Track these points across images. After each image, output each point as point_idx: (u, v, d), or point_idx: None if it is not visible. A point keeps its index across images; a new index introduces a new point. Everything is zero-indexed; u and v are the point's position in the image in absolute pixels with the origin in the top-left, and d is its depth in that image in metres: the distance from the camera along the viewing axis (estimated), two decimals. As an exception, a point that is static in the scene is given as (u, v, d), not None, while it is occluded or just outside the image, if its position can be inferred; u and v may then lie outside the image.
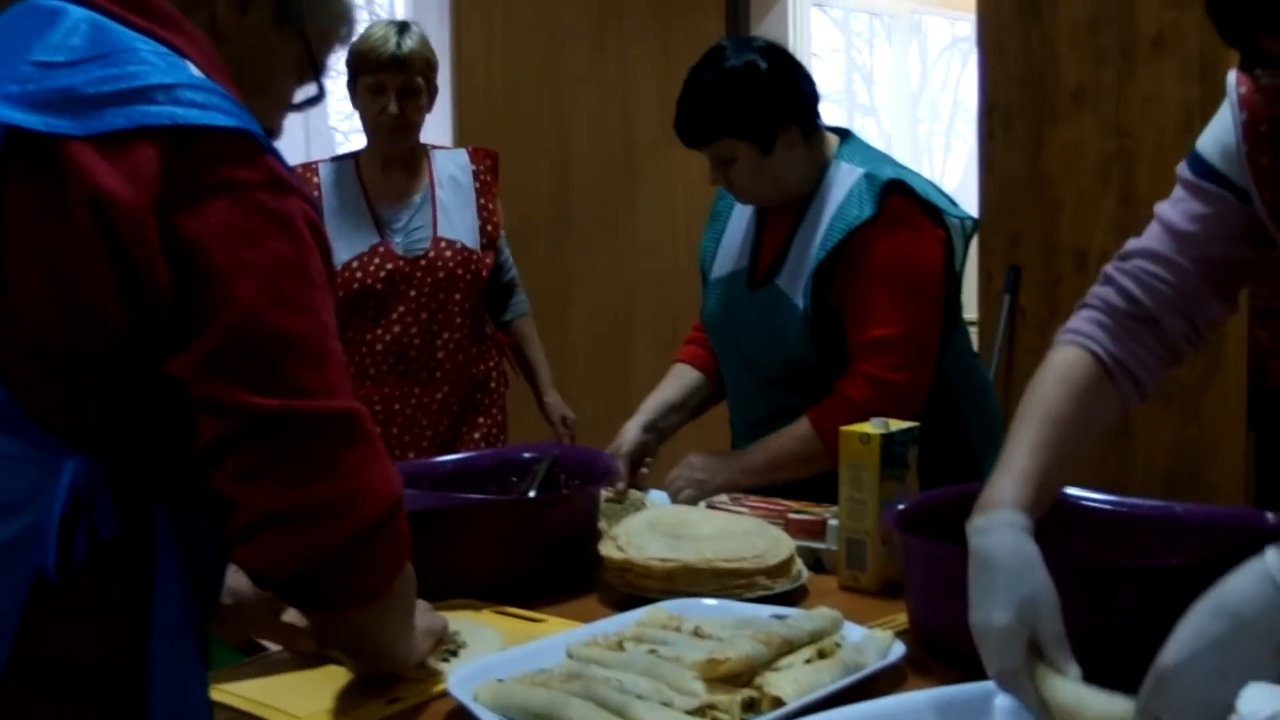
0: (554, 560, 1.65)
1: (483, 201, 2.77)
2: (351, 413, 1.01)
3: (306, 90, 1.23)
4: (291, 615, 1.30)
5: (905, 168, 2.04)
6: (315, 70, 1.21)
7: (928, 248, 1.94)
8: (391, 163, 2.71)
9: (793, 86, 1.95)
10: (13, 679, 0.92)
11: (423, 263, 2.65)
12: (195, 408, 0.97)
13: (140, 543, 0.98)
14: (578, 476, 1.85)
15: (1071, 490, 1.51)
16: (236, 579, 1.23)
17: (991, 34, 3.61)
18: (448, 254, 2.67)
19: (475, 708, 1.15)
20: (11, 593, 0.92)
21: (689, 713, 1.12)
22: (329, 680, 1.30)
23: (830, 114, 6.40)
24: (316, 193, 2.66)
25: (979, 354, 3.67)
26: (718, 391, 2.21)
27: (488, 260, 2.77)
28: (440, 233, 2.68)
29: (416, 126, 2.69)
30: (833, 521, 1.68)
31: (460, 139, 4.08)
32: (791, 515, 1.75)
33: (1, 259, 0.94)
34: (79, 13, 1.02)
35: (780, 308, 1.98)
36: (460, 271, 2.68)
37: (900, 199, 1.93)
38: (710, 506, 1.84)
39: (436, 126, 4.71)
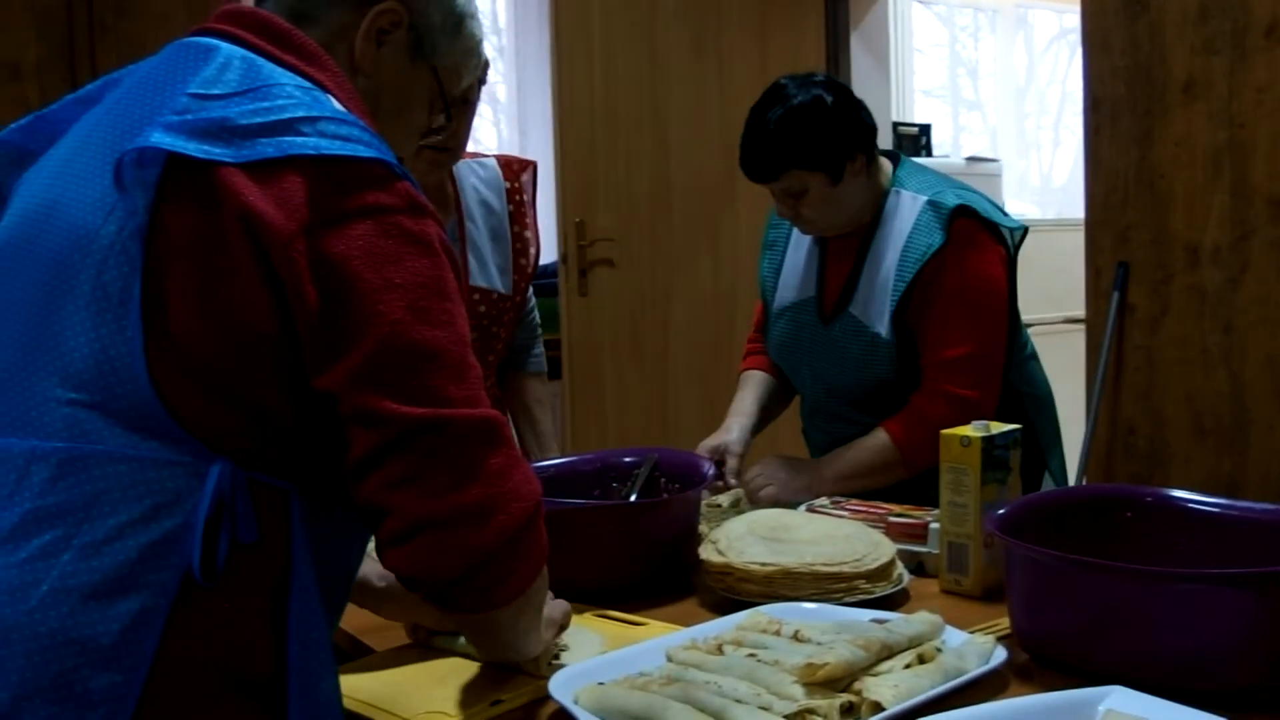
0: (654, 564, 1.66)
1: (517, 229, 2.21)
2: (493, 419, 1.06)
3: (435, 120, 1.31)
4: None
5: (961, 186, 2.13)
6: (445, 103, 1.28)
7: (994, 267, 2.06)
8: None
9: (856, 117, 2.05)
10: (160, 673, 0.96)
11: None
12: (346, 421, 1.02)
13: (277, 548, 1.03)
14: (678, 481, 1.86)
15: (1181, 493, 1.48)
16: None
17: (1096, 27, 3.53)
18: (481, 308, 2.14)
19: (576, 710, 1.17)
20: (161, 590, 0.97)
21: (787, 717, 1.13)
22: (432, 680, 1.33)
23: (935, 110, 6.38)
24: None
25: (1087, 352, 3.62)
26: (787, 397, 2.33)
27: (517, 299, 2.22)
28: (472, 280, 2.13)
29: (464, 148, 2.10)
30: (934, 525, 1.67)
31: (561, 146, 4.12)
32: (893, 519, 1.74)
33: (160, 275, 1.00)
34: (232, 50, 1.10)
35: (860, 336, 2.09)
36: (490, 325, 2.17)
37: (965, 221, 2.04)
38: (810, 510, 1.84)
39: (537, 135, 4.78)
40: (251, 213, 0.99)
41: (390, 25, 1.21)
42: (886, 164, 2.14)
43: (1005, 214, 2.14)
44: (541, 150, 4.70)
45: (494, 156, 2.25)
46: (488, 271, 2.15)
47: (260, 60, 1.10)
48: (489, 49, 4.89)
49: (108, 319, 1.00)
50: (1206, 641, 1.16)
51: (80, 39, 3.63)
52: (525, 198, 2.23)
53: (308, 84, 1.10)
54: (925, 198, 2.06)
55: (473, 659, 1.38)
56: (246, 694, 1.01)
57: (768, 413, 2.27)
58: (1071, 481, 3.53)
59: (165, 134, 1.00)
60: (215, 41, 1.11)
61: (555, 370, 4.24)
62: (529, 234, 2.22)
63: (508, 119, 5.01)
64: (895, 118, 5.27)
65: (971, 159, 5.31)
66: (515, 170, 2.23)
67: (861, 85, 4.82)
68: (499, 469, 1.05)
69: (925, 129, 5.36)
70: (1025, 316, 5.58)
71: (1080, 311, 3.74)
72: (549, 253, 4.61)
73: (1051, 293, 5.17)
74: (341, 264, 1.01)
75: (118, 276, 1.00)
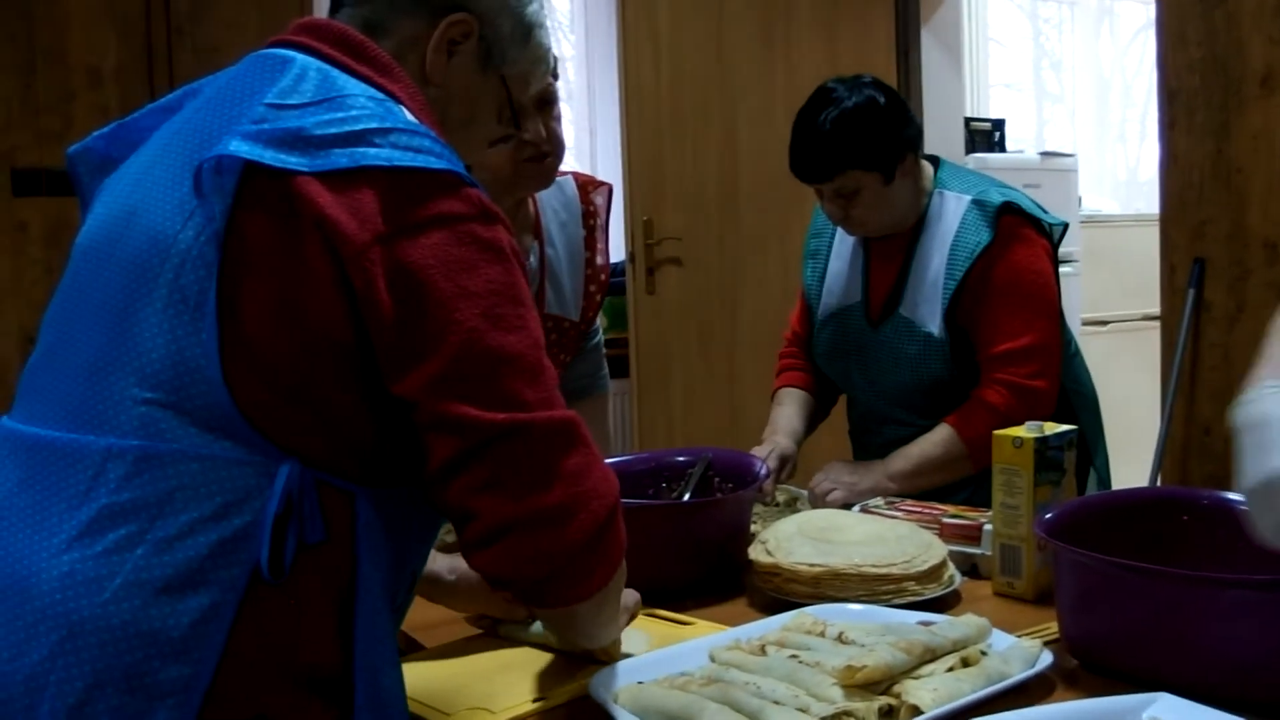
0: (705, 564, 1.66)
1: (589, 255, 2.12)
2: (570, 420, 1.08)
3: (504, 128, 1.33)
4: None
5: (1003, 185, 2.15)
6: (513, 111, 1.31)
7: (1041, 261, 2.08)
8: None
9: (906, 118, 2.07)
10: (227, 666, 0.98)
11: None
12: (424, 428, 1.05)
13: (343, 548, 1.05)
14: (731, 480, 1.86)
15: (1239, 496, 1.45)
16: (455, 559, 1.43)
17: (1172, 18, 3.47)
18: (553, 336, 2.05)
19: (615, 709, 1.18)
20: (230, 585, 0.99)
21: (825, 719, 1.12)
22: (477, 677, 1.34)
23: (1017, 103, 6.30)
24: None
25: (1162, 350, 3.55)
26: (824, 411, 2.36)
27: (583, 327, 2.12)
28: (548, 309, 2.05)
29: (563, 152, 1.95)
30: (988, 527, 1.65)
31: (628, 145, 4.13)
32: (947, 520, 1.73)
33: (236, 280, 1.02)
34: (308, 61, 1.13)
35: (912, 338, 2.10)
36: (558, 354, 2.08)
37: (1011, 218, 2.06)
38: (864, 510, 1.83)
39: (606, 136, 4.80)
40: (326, 221, 1.01)
41: (461, 36, 1.23)
42: (928, 166, 2.16)
43: (1045, 211, 2.15)
44: (610, 150, 4.72)
45: (572, 175, 2.14)
46: (563, 299, 2.07)
47: (335, 71, 1.12)
48: (558, 50, 4.93)
49: (184, 321, 1.03)
50: (1257, 650, 1.14)
51: (158, 44, 3.72)
52: (599, 221, 2.14)
53: (380, 95, 1.12)
54: (969, 197, 2.08)
55: (537, 647, 1.42)
56: (312, 689, 1.04)
57: (809, 429, 2.28)
58: (1146, 482, 3.47)
59: (243, 142, 1.03)
60: (292, 53, 1.14)
61: (623, 369, 4.26)
62: (600, 260, 2.13)
63: (576, 119, 5.03)
64: (968, 112, 5.21)
65: (1046, 154, 5.24)
66: (589, 193, 2.13)
67: (933, 79, 4.77)
68: (578, 469, 1.07)
69: (999, 124, 5.29)
70: (1101, 313, 5.52)
71: (1155, 309, 3.67)
72: (617, 252, 4.63)
73: (1129, 289, 5.09)
74: (417, 273, 1.03)
75: (194, 280, 1.03)
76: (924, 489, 1.99)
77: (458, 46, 1.23)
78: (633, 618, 1.39)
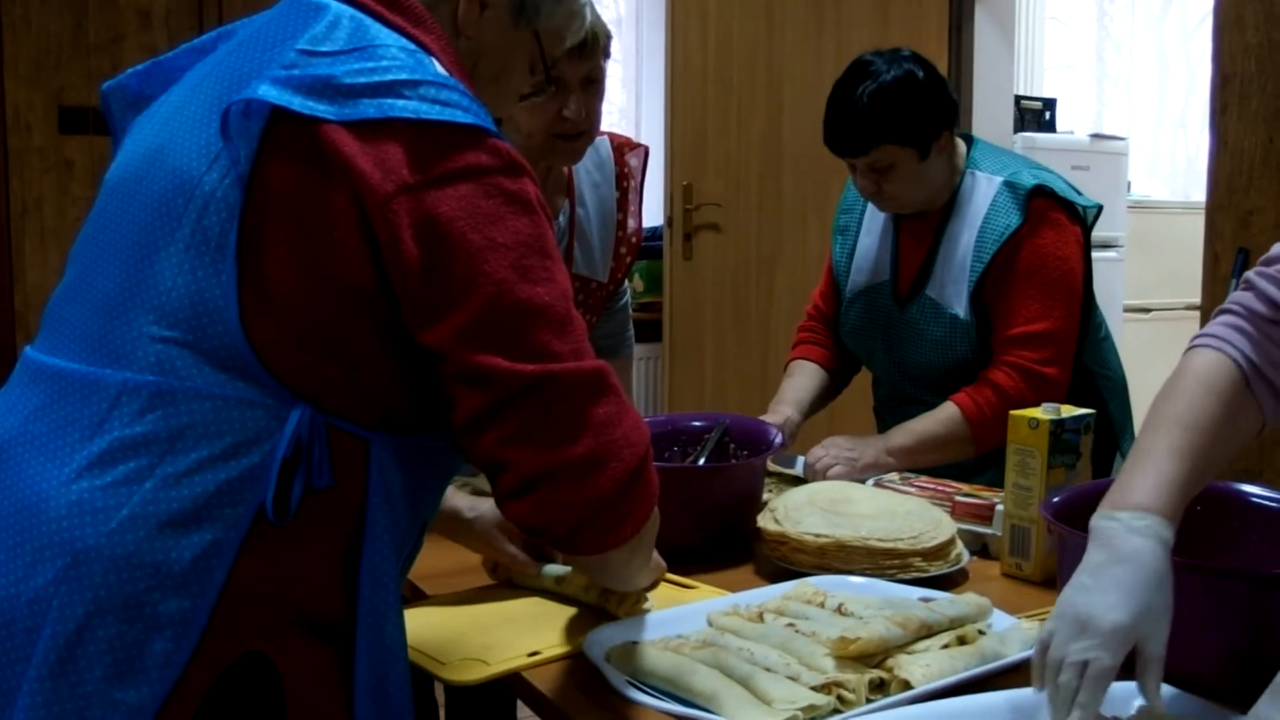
0: (715, 529, 1.66)
1: (620, 217, 2.11)
2: (599, 370, 1.09)
3: (534, 81, 1.33)
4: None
5: (1036, 166, 2.12)
6: (546, 66, 1.30)
7: (1070, 247, 2.04)
8: (535, 170, 1.93)
9: (944, 93, 2.04)
10: (227, 603, 1.00)
11: None
12: (452, 379, 1.05)
13: (352, 494, 1.06)
14: (746, 448, 1.86)
15: (1252, 488, 1.44)
16: (476, 500, 1.47)
17: (1230, 2, 3.39)
18: (580, 296, 2.04)
19: (605, 667, 1.19)
20: (235, 523, 1.00)
21: (814, 689, 1.12)
22: (476, 628, 1.36)
23: (1076, 83, 6.21)
24: None
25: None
26: (836, 388, 2.33)
27: (611, 288, 2.14)
28: (575, 269, 2.05)
29: (597, 130, 1.95)
30: (1000, 507, 1.64)
31: (671, 109, 4.11)
32: (960, 498, 1.72)
33: (259, 224, 1.03)
34: (341, 9, 1.12)
35: (938, 318, 2.08)
36: (585, 314, 2.07)
37: (1043, 201, 2.03)
38: (878, 484, 1.82)
39: (651, 100, 4.77)
40: (352, 170, 1.01)
41: None
42: (961, 145, 2.13)
43: (1079, 193, 2.11)
44: (654, 113, 4.70)
45: (608, 135, 2.10)
46: (591, 260, 2.07)
47: (368, 20, 1.12)
48: (608, 14, 4.90)
49: (205, 261, 1.03)
50: (1252, 641, 1.12)
51: (209, -11, 3.73)
52: (632, 183, 2.11)
53: (412, 46, 1.12)
54: (1001, 178, 2.05)
55: (550, 597, 1.45)
56: (313, 632, 1.05)
57: (818, 404, 2.26)
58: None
59: (272, 87, 1.03)
60: (327, 1, 1.14)
61: (656, 333, 4.26)
62: (631, 222, 2.12)
63: (623, 82, 5.01)
64: (1019, 91, 5.14)
65: (1096, 136, 5.16)
66: (624, 155, 2.10)
67: (984, 56, 4.71)
68: (608, 418, 1.07)
69: (1050, 103, 5.22)
70: (1144, 301, 5.44)
71: (1196, 298, 3.61)
72: (655, 216, 4.62)
73: (1174, 278, 5.02)
74: (445, 225, 1.03)
75: (217, 222, 1.03)
76: (926, 466, 1.97)
77: (490, 2, 1.22)
78: (658, 582, 1.39)
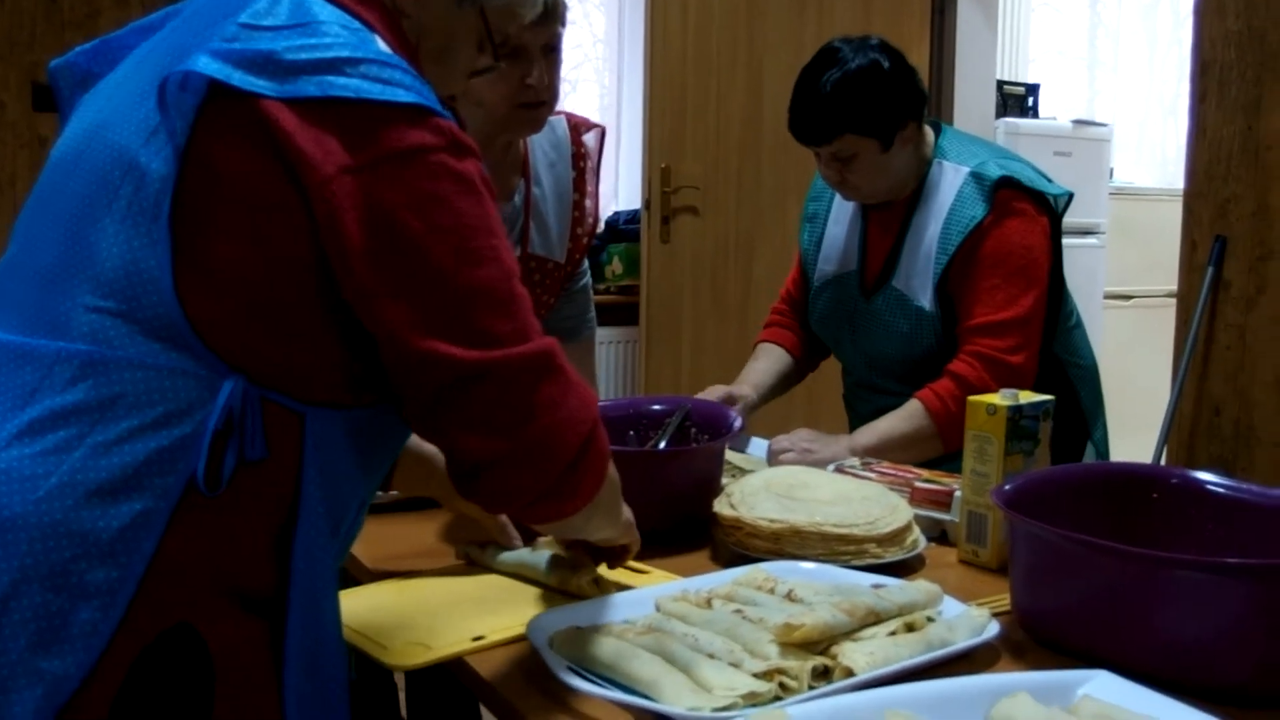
0: (674, 514, 1.65)
1: (576, 197, 2.09)
2: (544, 351, 1.09)
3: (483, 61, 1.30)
4: None
5: (1005, 154, 2.09)
6: (494, 44, 1.27)
7: (1035, 236, 2.02)
8: (491, 148, 1.94)
9: (911, 84, 2.01)
10: (155, 574, 0.99)
11: None
12: (399, 363, 1.06)
13: (286, 468, 1.05)
14: (708, 432, 1.84)
15: (1208, 476, 1.43)
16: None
17: (1211, -12, 3.38)
18: (536, 276, 2.05)
19: (546, 652, 1.17)
20: (165, 493, 1.00)
21: (756, 675, 1.11)
22: (423, 612, 1.34)
23: (1067, 69, 6.18)
24: None
25: (1177, 327, 3.50)
26: (800, 374, 2.32)
27: (569, 269, 2.12)
28: (531, 248, 2.03)
29: (557, 100, 1.92)
30: (959, 493, 1.63)
31: (650, 91, 4.09)
32: (918, 484, 1.70)
33: (196, 195, 1.02)
34: None
35: (904, 310, 2.07)
36: (541, 294, 2.07)
37: (1008, 192, 2.01)
38: (839, 470, 1.81)
39: (632, 80, 4.74)
40: (291, 148, 1.01)
41: None
42: (929, 133, 2.10)
43: (1049, 180, 2.09)
44: (634, 94, 4.67)
45: (564, 115, 2.10)
46: (548, 240, 2.05)
47: None
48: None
49: (140, 232, 1.03)
50: (1200, 632, 1.11)
51: (185, -35, 3.69)
52: (589, 164, 2.11)
53: (356, 24, 1.10)
54: (968, 169, 2.03)
55: (513, 577, 1.47)
56: (244, 606, 1.04)
57: (779, 388, 2.25)
58: (1149, 457, 3.43)
59: (211, 60, 1.02)
60: None
61: (633, 317, 4.25)
62: (589, 203, 2.11)
63: (604, 62, 4.98)
64: (1002, 76, 5.13)
65: (1079, 122, 5.15)
66: (580, 134, 2.09)
67: (967, 41, 4.69)
68: (554, 398, 1.08)
69: (1033, 89, 5.20)
70: (1125, 288, 5.44)
71: (1173, 285, 3.61)
72: (633, 199, 4.60)
73: (1155, 264, 5.01)
74: (388, 209, 1.02)
75: (152, 194, 1.03)
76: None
77: None
78: (633, 547, 1.40)
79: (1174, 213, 3.68)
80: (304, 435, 1.05)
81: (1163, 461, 3.43)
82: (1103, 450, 2.22)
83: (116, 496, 0.99)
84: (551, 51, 1.85)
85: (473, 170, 1.08)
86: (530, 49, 1.80)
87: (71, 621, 0.97)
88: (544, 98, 1.85)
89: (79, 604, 0.97)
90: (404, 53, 1.14)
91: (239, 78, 1.01)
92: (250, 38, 1.05)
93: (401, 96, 1.04)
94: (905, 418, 1.99)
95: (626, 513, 1.35)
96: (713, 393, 2.10)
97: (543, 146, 2.04)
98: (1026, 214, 2.01)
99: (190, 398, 1.01)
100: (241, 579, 1.04)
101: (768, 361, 2.26)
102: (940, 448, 1.98)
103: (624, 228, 4.49)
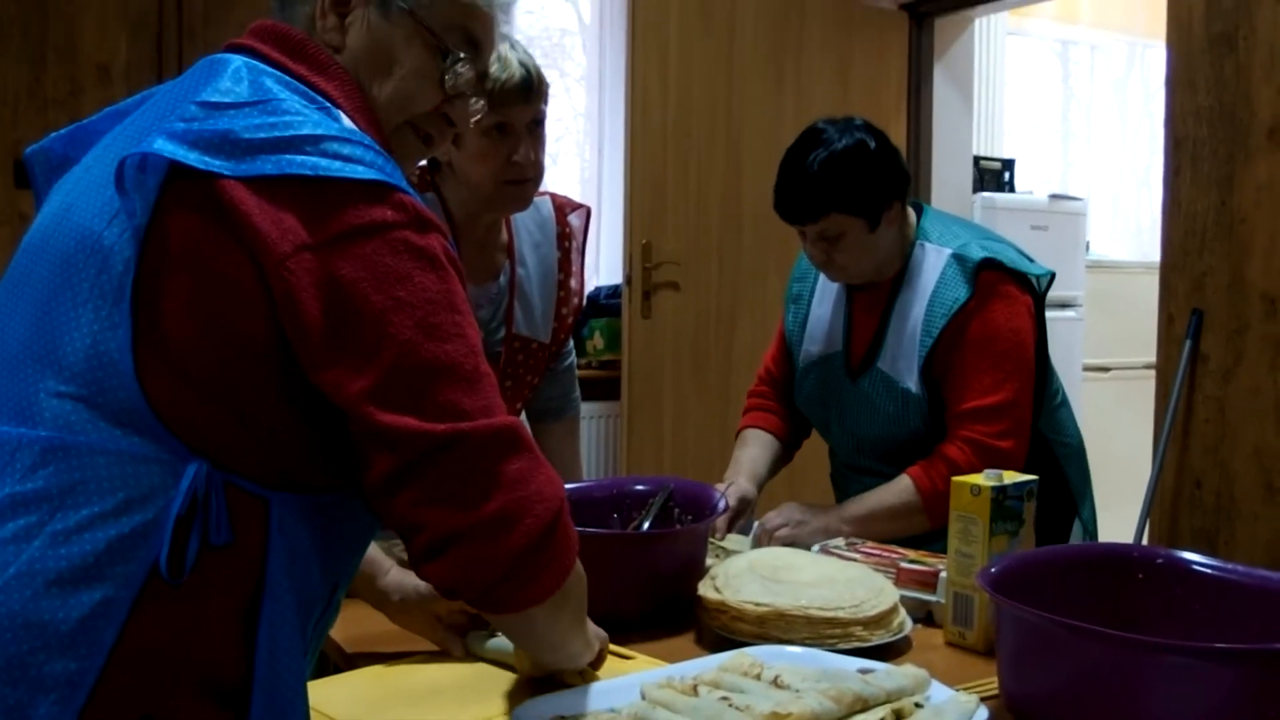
0: (657, 596, 1.64)
1: (562, 277, 2.09)
2: (509, 427, 1.07)
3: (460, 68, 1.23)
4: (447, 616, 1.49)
5: (986, 235, 2.11)
6: (438, 39, 1.20)
7: (1020, 318, 2.02)
8: (477, 226, 1.95)
9: (896, 164, 2.03)
10: (117, 664, 0.97)
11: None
12: (362, 439, 1.04)
13: (252, 554, 1.03)
14: (691, 512, 1.83)
15: (1195, 556, 1.42)
16: (406, 578, 1.48)
17: (1182, 65, 3.44)
18: (520, 357, 2.03)
19: (529, 744, 1.15)
20: (127, 581, 0.98)
21: (743, 766, 1.10)
22: (404, 699, 1.33)
23: (1041, 142, 6.27)
24: None
25: (1156, 400, 3.51)
26: (788, 456, 2.31)
27: (553, 349, 2.10)
28: (515, 329, 2.01)
29: (543, 173, 1.92)
30: (945, 574, 1.62)
31: (631, 166, 4.12)
32: (904, 564, 1.70)
33: (156, 277, 1.02)
34: (240, 60, 1.12)
35: (890, 392, 2.07)
36: (525, 375, 2.06)
37: (991, 274, 2.01)
38: (824, 550, 1.80)
39: (613, 155, 4.78)
40: (248, 227, 1.01)
41: None
42: (911, 214, 2.12)
43: (1031, 260, 2.10)
44: (615, 170, 4.71)
45: (549, 196, 2.11)
46: (532, 320, 2.04)
47: (266, 73, 1.11)
48: (573, 69, 4.92)
49: (102, 315, 1.02)
50: (1188, 716, 1.11)
51: (169, 44, 3.73)
52: (574, 244, 2.11)
53: (318, 98, 1.11)
54: (950, 250, 2.04)
55: (499, 666, 1.43)
56: (209, 696, 1.02)
57: (771, 473, 2.24)
58: (1132, 531, 3.43)
59: (168, 141, 1.02)
60: (231, 55, 1.14)
61: (615, 392, 4.24)
62: (573, 283, 2.11)
63: (585, 137, 5.02)
64: (978, 151, 5.19)
65: (1055, 196, 5.21)
66: (564, 216, 2.10)
67: (943, 117, 4.76)
68: (521, 474, 1.06)
69: (1009, 164, 5.27)
70: (1104, 359, 5.47)
71: (1151, 358, 3.64)
72: (615, 274, 4.62)
73: (1133, 336, 5.05)
74: (348, 286, 1.02)
75: (114, 276, 1.03)
76: (880, 537, 1.93)
77: (345, 6, 1.18)
78: (603, 656, 1.37)
79: (1150, 285, 3.72)
80: (269, 520, 1.04)
81: (1145, 534, 3.43)
82: (1091, 529, 2.21)
83: (77, 586, 0.97)
84: (536, 127, 1.86)
85: (436, 246, 1.07)
86: (515, 125, 1.82)
87: (30, 716, 0.95)
88: (530, 174, 1.86)
89: (37, 697, 0.95)
90: (366, 123, 1.14)
91: (195, 157, 1.02)
92: (209, 117, 1.05)
93: (361, 173, 1.04)
94: (894, 493, 1.99)
95: (591, 626, 1.33)
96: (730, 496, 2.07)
97: (528, 227, 2.05)
98: (1010, 295, 2.02)
99: (152, 483, 1.00)
100: (209, 668, 1.02)
101: (757, 448, 2.24)
102: (926, 523, 1.97)
103: (605, 302, 4.50)
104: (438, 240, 1.08)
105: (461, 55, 1.22)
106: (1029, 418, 2.03)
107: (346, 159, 1.04)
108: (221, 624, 1.03)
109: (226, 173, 1.01)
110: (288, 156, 1.03)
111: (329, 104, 1.12)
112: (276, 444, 1.05)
